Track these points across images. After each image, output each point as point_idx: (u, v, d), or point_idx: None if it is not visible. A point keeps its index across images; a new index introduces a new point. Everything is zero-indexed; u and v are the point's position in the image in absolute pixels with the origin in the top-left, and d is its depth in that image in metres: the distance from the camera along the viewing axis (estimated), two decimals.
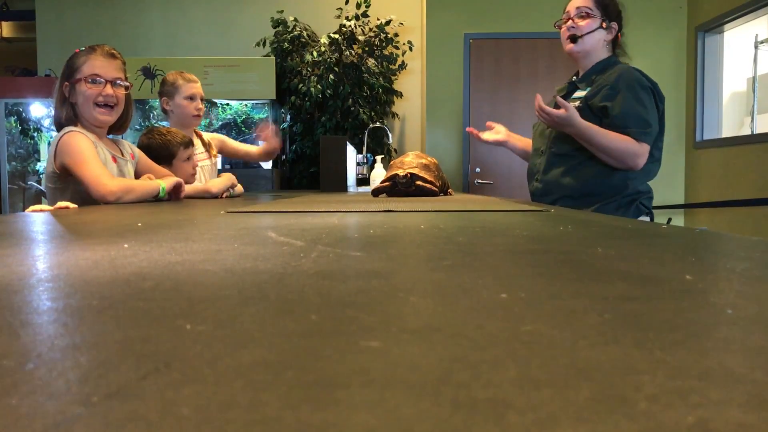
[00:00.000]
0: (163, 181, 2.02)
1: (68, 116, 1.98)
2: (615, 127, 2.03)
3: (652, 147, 2.07)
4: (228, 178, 2.49)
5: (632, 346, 0.27)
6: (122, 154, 2.10)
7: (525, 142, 2.54)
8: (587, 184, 2.10)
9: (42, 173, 5.83)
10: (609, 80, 2.08)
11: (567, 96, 2.23)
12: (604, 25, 2.16)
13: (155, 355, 0.26)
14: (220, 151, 3.02)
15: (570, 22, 2.20)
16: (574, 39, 2.21)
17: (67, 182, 1.94)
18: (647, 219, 2.13)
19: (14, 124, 5.94)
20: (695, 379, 0.23)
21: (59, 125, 2.01)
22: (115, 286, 0.43)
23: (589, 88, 2.14)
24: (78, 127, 1.97)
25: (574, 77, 2.27)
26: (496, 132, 2.53)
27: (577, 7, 2.19)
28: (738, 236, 0.81)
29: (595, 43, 2.18)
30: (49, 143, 5.95)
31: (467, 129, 2.57)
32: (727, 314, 0.35)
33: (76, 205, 1.74)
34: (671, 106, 5.47)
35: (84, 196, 1.89)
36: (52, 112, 2.04)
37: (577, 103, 2.11)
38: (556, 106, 2.08)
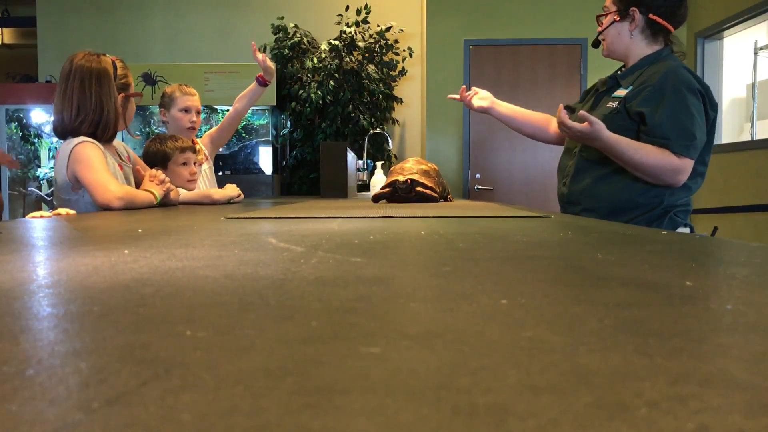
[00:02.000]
0: (155, 190, 2.03)
1: (92, 122, 1.97)
2: (653, 136, 1.77)
3: (696, 161, 1.80)
4: (232, 189, 2.50)
5: (632, 352, 0.27)
6: (121, 158, 2.13)
7: (512, 110, 2.34)
8: (617, 198, 1.86)
9: (42, 179, 5.83)
10: (652, 79, 1.82)
11: (607, 93, 1.96)
12: (617, 18, 1.91)
13: (155, 361, 0.26)
14: (215, 144, 3.01)
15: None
16: (595, 44, 2.04)
17: (80, 192, 1.94)
18: (687, 230, 1.89)
19: (15, 130, 5.95)
20: (695, 385, 0.23)
21: (66, 133, 1.99)
22: (115, 292, 0.43)
23: (631, 87, 1.87)
24: (88, 137, 1.96)
25: (620, 71, 2.00)
26: (482, 98, 2.34)
27: (603, 7, 1.99)
28: (738, 242, 0.81)
29: (617, 38, 1.93)
30: (49, 149, 5.97)
31: (449, 96, 2.37)
32: (727, 320, 0.35)
33: (74, 212, 1.74)
34: None
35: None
36: (66, 116, 1.98)
37: (615, 104, 1.88)
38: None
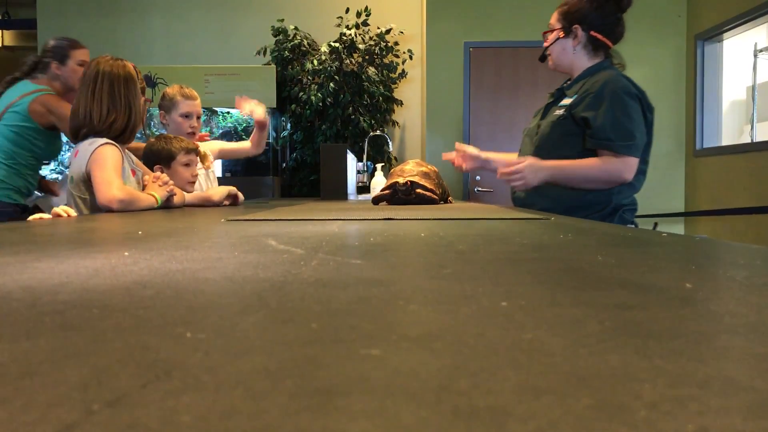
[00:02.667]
0: (157, 193, 2.04)
1: (122, 124, 2.00)
2: (597, 138, 1.94)
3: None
4: (228, 188, 2.51)
5: (632, 354, 0.28)
6: (133, 163, 2.15)
7: (502, 159, 2.34)
8: (568, 198, 2.00)
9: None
10: (594, 87, 2.00)
11: (555, 103, 2.13)
12: (561, 34, 2.11)
13: (156, 363, 0.26)
14: (221, 157, 3.03)
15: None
16: (541, 58, 2.23)
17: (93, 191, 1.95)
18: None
19: None
20: (695, 387, 0.23)
21: (92, 133, 1.98)
22: (115, 294, 0.44)
23: (576, 95, 2.05)
24: (112, 140, 1.98)
25: (565, 83, 2.18)
26: (473, 158, 2.35)
27: (548, 25, 2.19)
28: (738, 244, 0.81)
29: (562, 53, 2.13)
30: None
31: (444, 157, 2.43)
32: (727, 322, 0.35)
33: (75, 213, 1.74)
34: (671, 114, 5.48)
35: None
36: (96, 118, 1.99)
37: (561, 111, 2.04)
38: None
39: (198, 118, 2.80)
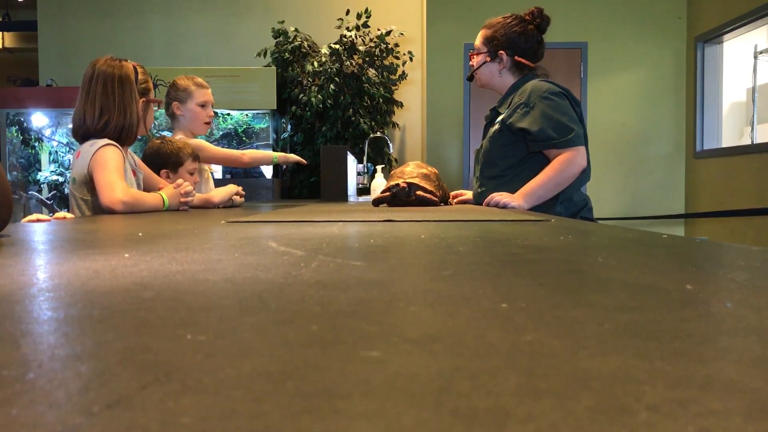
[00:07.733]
0: (164, 194, 2.03)
1: (116, 125, 2.00)
2: (540, 141, 2.03)
3: None
4: (230, 187, 2.50)
5: (633, 355, 0.27)
6: (135, 165, 2.15)
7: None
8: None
9: (43, 183, 5.83)
10: (522, 98, 2.10)
11: (491, 122, 2.24)
12: (488, 59, 2.24)
13: (156, 365, 0.26)
14: (206, 161, 2.99)
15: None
16: (469, 78, 2.35)
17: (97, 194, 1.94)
18: None
19: (15, 134, 5.95)
20: (696, 389, 0.23)
21: (89, 135, 1.99)
22: (115, 296, 0.44)
23: (507, 109, 2.15)
24: (112, 141, 1.98)
25: (497, 104, 2.30)
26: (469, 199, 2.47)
27: (474, 46, 2.29)
28: (738, 246, 0.81)
29: (489, 76, 2.26)
30: (50, 153, 5.97)
31: (454, 203, 2.50)
32: (727, 324, 0.35)
33: (73, 216, 1.74)
34: (671, 116, 5.48)
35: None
36: (89, 119, 1.99)
37: (497, 126, 2.14)
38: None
39: (212, 106, 2.77)
